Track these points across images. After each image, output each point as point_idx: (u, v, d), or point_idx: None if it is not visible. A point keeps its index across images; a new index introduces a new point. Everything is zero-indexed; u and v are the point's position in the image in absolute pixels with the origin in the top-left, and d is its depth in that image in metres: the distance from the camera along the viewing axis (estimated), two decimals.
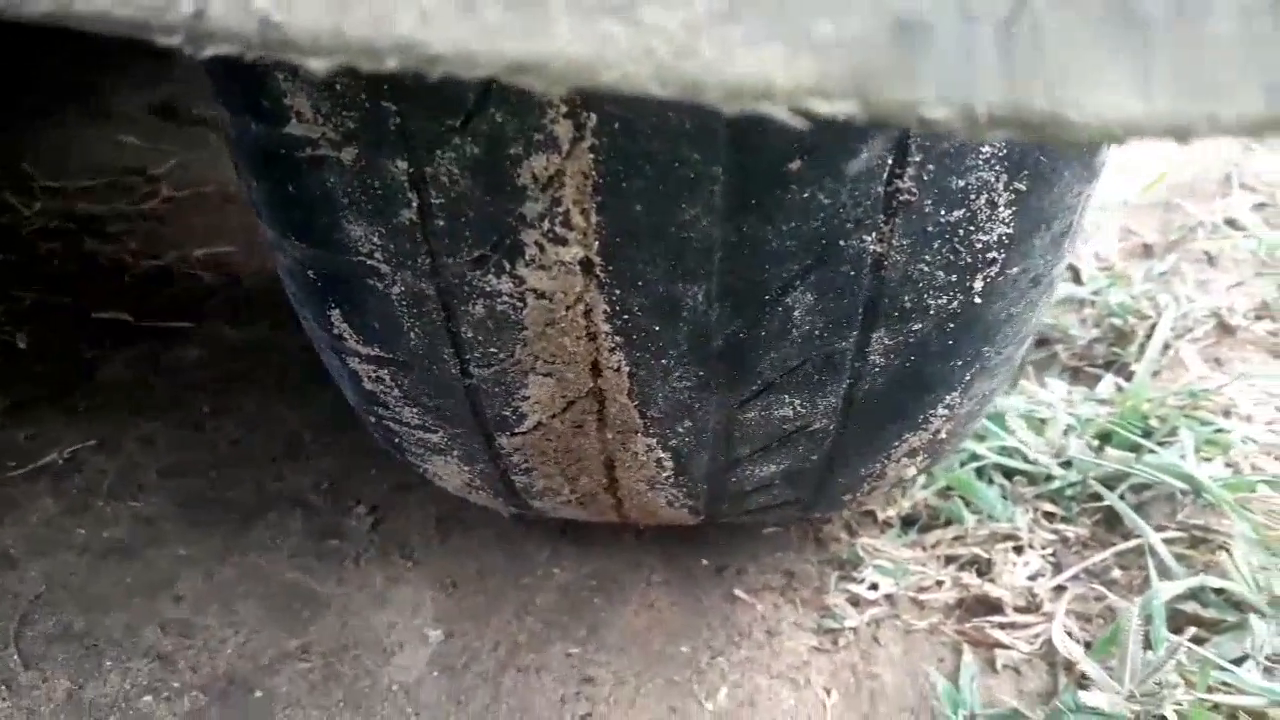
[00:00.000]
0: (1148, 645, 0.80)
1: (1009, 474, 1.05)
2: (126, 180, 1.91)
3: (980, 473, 1.05)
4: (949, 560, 0.98)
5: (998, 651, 0.88)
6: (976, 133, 0.25)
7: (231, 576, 1.00)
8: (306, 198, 0.56)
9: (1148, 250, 1.51)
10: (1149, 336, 1.22)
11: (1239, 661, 0.82)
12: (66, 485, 1.14)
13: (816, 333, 0.59)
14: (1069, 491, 1.01)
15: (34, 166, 1.90)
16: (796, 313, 0.57)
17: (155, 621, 0.94)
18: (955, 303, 0.59)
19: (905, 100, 0.25)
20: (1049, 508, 1.01)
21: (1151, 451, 1.00)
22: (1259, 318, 1.30)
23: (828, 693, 0.87)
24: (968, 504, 1.01)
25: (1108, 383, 1.15)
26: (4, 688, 0.86)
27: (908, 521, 1.03)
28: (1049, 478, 1.04)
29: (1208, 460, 1.00)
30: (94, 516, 1.09)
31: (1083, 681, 0.83)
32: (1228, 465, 1.00)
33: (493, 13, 0.26)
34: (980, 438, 1.07)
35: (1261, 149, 1.73)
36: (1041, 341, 1.29)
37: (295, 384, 1.32)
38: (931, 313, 0.59)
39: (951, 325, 0.60)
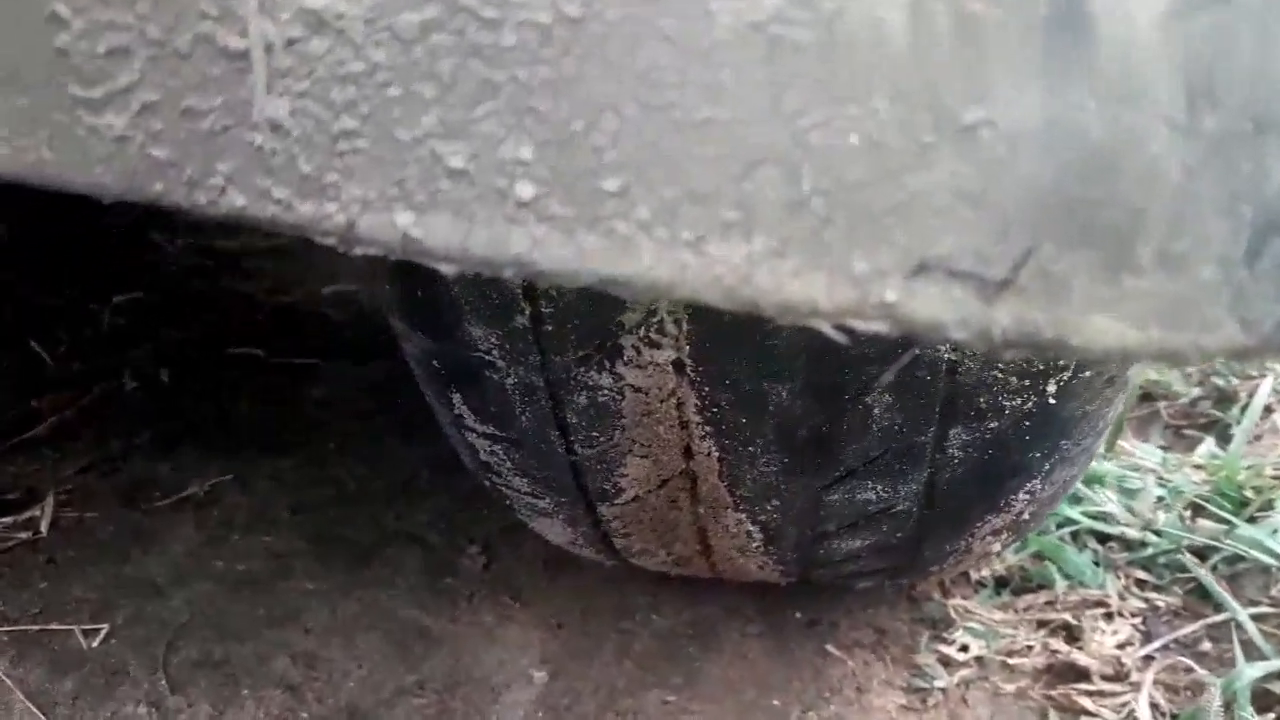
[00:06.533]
0: None
1: (1102, 539, 1.06)
2: None
3: (1075, 536, 1.07)
4: (1039, 625, 0.99)
5: (1084, 719, 0.90)
6: (993, 351, 0.29)
7: (354, 611, 1.08)
8: (433, 302, 0.62)
9: None
10: (1252, 397, 1.21)
11: None
12: (206, 517, 1.23)
13: (896, 428, 0.63)
14: (1162, 559, 1.02)
15: None
16: (876, 410, 0.62)
17: (285, 652, 1.02)
18: (1030, 404, 0.62)
19: (931, 323, 0.29)
20: (1141, 575, 1.02)
21: (1247, 523, 1.00)
22: None
23: None
24: (1059, 568, 1.03)
25: (1206, 446, 1.15)
26: (154, 710, 0.95)
27: (1000, 583, 1.05)
28: (1142, 544, 1.04)
29: None
30: (230, 549, 1.18)
31: None
32: None
33: (589, 240, 0.31)
34: (1076, 500, 1.09)
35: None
36: (1144, 397, 1.29)
37: (413, 422, 1.39)
38: (1007, 412, 0.62)
39: (1028, 423, 0.63)
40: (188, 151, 0.35)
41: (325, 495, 1.27)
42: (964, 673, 0.96)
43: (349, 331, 1.68)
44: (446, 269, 0.33)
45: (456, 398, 0.70)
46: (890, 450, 0.64)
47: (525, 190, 0.31)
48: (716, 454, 0.66)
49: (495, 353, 0.63)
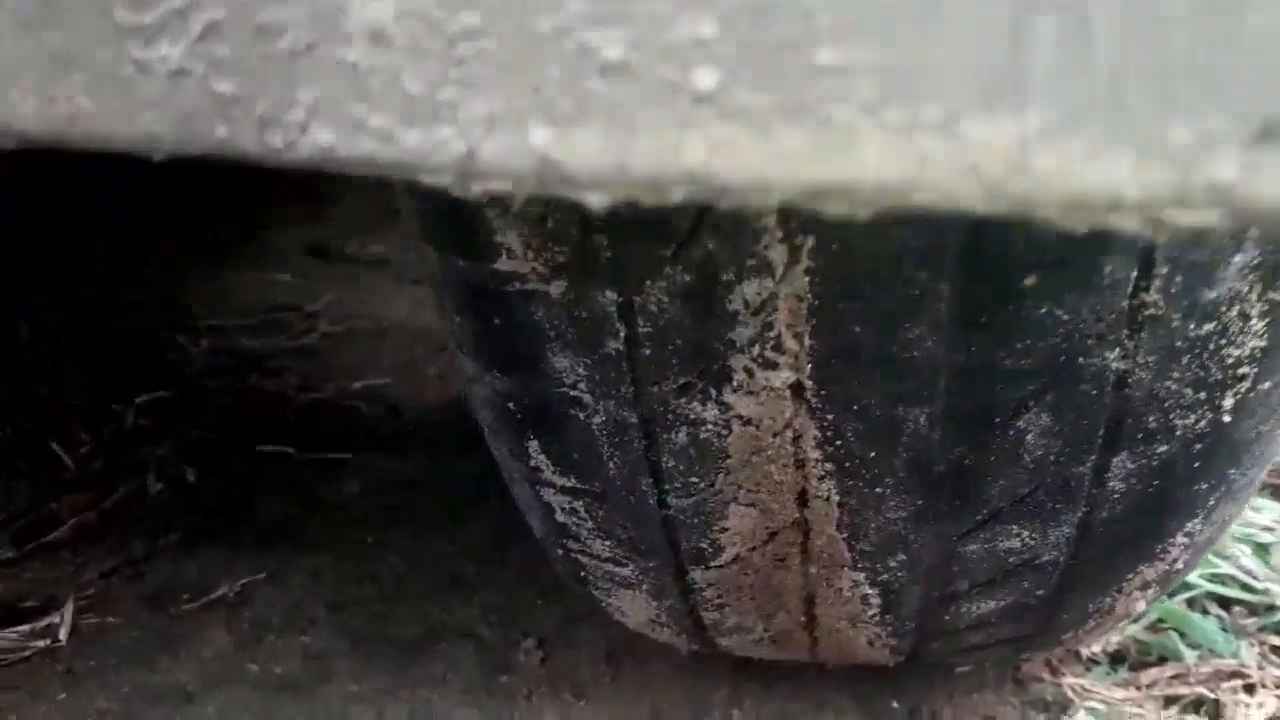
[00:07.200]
0: None
1: (1225, 604, 0.96)
2: (284, 317, 1.97)
3: (1192, 603, 0.97)
4: (1169, 701, 0.89)
5: None
6: None
7: (403, 715, 0.98)
8: (512, 331, 0.55)
9: None
10: None
11: None
12: (238, 619, 1.14)
13: (1051, 457, 0.54)
14: None
15: (198, 306, 1.98)
16: (1030, 436, 0.53)
17: None
18: (1203, 422, 0.54)
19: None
20: (1276, 641, 0.92)
21: None
22: None
23: None
24: (1184, 638, 0.93)
25: None
26: None
27: (1116, 658, 0.95)
28: (1271, 608, 0.94)
29: None
30: (265, 651, 1.08)
31: None
32: None
33: (791, 136, 0.24)
34: None
35: None
36: None
37: (453, 515, 1.31)
38: (1178, 434, 0.54)
39: (1198, 446, 0.55)
40: (261, 81, 0.28)
41: (365, 592, 1.18)
42: None
43: (381, 426, 1.61)
44: (594, 199, 0.26)
45: (533, 445, 0.62)
46: (1043, 485, 0.56)
47: (705, 79, 0.24)
48: (837, 498, 0.58)
49: (582, 386, 0.56)
